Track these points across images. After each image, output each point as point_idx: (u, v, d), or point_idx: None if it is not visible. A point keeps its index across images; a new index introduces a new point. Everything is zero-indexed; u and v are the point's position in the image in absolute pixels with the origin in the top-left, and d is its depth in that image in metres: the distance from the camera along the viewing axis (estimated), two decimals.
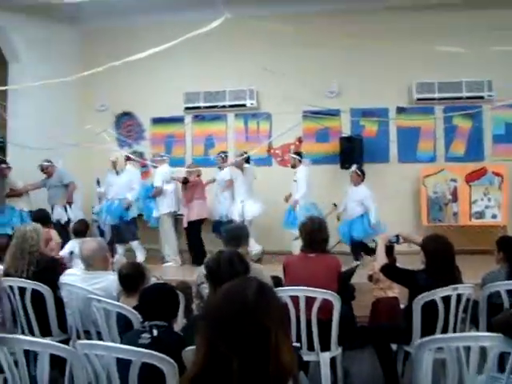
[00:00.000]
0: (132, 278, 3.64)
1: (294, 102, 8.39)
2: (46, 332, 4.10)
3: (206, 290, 3.83)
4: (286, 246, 7.84)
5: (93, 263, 4.07)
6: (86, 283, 3.95)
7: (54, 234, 6.17)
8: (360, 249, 7.64)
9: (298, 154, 8.39)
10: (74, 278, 4.10)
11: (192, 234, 8.32)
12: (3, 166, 8.43)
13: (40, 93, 8.14)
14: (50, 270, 4.18)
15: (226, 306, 1.50)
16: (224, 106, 9.61)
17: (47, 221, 6.52)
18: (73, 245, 6.14)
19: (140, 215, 8.62)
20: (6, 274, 4.09)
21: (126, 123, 10.17)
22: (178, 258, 8.34)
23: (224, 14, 3.80)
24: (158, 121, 10.02)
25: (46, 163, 8.57)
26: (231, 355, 1.40)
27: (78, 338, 3.95)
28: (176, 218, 8.64)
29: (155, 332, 2.74)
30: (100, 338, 3.67)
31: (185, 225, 8.33)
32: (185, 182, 8.31)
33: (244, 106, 9.54)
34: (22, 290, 3.98)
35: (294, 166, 8.18)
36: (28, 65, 9.32)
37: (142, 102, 9.78)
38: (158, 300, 2.94)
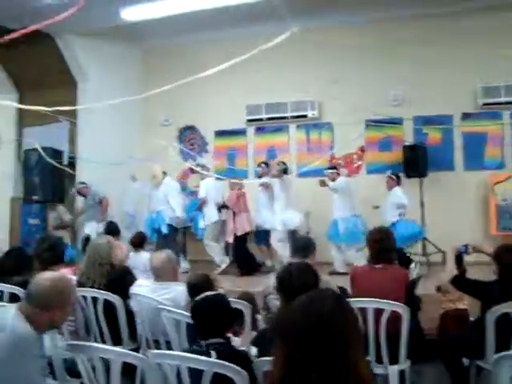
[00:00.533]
0: (200, 289, 3.66)
1: (357, 111, 8.32)
2: (117, 341, 4.18)
3: (273, 301, 3.85)
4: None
5: (162, 274, 4.17)
6: (156, 294, 4.03)
7: (123, 246, 6.34)
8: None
9: (334, 167, 8.46)
10: (143, 288, 4.19)
11: (239, 247, 8.44)
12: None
13: (106, 109, 8.44)
14: (120, 281, 4.28)
15: (303, 318, 1.49)
16: (285, 118, 9.68)
17: (117, 232, 6.78)
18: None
19: (187, 227, 8.83)
20: (79, 283, 4.23)
21: (189, 136, 10.40)
22: (225, 258, 8.47)
23: (290, 28, 3.81)
24: (220, 133, 10.19)
25: (80, 185, 8.96)
26: (309, 369, 1.40)
27: (148, 346, 4.03)
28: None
29: (213, 354, 2.64)
30: (169, 348, 3.72)
31: (230, 239, 8.43)
32: (223, 207, 8.47)
33: (305, 116, 9.55)
34: (95, 300, 4.09)
35: (333, 180, 8.15)
36: (95, 83, 9.69)
37: (205, 115, 9.98)
38: (212, 313, 2.84)
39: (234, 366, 2.46)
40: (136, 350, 3.94)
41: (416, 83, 8.88)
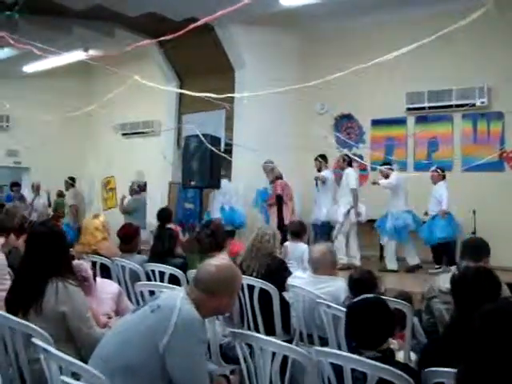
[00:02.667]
0: (362, 284, 3.48)
1: None
2: (269, 331, 4.12)
3: (437, 305, 3.63)
4: None
5: (320, 267, 4.05)
6: (313, 287, 3.92)
7: None
8: (444, 252, 7.66)
9: (388, 163, 8.34)
10: (300, 280, 4.11)
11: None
12: None
13: (262, 97, 8.49)
14: (279, 271, 4.25)
15: (491, 328, 1.44)
16: (450, 106, 8.98)
17: (170, 219, 6.95)
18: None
19: None
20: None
21: (346, 125, 10.15)
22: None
23: (484, 4, 3.38)
24: (378, 122, 9.78)
25: None
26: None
27: (301, 340, 3.96)
28: None
29: None
30: (323, 344, 3.60)
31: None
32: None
33: (473, 105, 8.72)
34: (251, 288, 4.06)
35: (386, 176, 8.19)
36: (252, 70, 9.85)
37: (362, 103, 9.65)
38: (370, 321, 2.56)
39: (404, 374, 2.24)
40: (288, 342, 3.84)
41: None
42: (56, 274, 2.94)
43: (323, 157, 8.78)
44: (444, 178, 7.96)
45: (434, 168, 8.12)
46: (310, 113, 10.18)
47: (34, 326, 2.63)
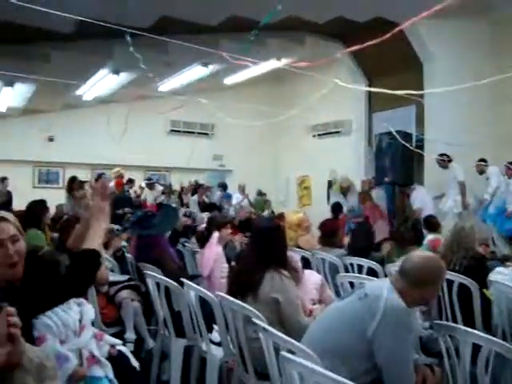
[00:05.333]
0: None
1: None
2: (469, 327, 4.01)
3: None
4: None
5: None
6: None
7: None
8: None
9: (483, 160, 8.27)
10: (503, 276, 3.97)
11: None
12: None
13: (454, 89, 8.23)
14: (480, 267, 4.15)
15: None
16: None
17: None
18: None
19: None
20: None
21: None
22: None
23: None
24: None
25: None
26: None
27: (504, 339, 3.78)
28: None
29: None
30: None
31: None
32: None
33: None
34: (450, 283, 4.01)
35: (481, 172, 8.25)
36: (441, 63, 9.51)
37: None
38: None
39: None
40: None
41: None
42: (273, 265, 3.25)
43: (444, 155, 8.60)
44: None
45: (506, 163, 8.04)
46: (508, 101, 9.49)
47: (252, 309, 2.96)
